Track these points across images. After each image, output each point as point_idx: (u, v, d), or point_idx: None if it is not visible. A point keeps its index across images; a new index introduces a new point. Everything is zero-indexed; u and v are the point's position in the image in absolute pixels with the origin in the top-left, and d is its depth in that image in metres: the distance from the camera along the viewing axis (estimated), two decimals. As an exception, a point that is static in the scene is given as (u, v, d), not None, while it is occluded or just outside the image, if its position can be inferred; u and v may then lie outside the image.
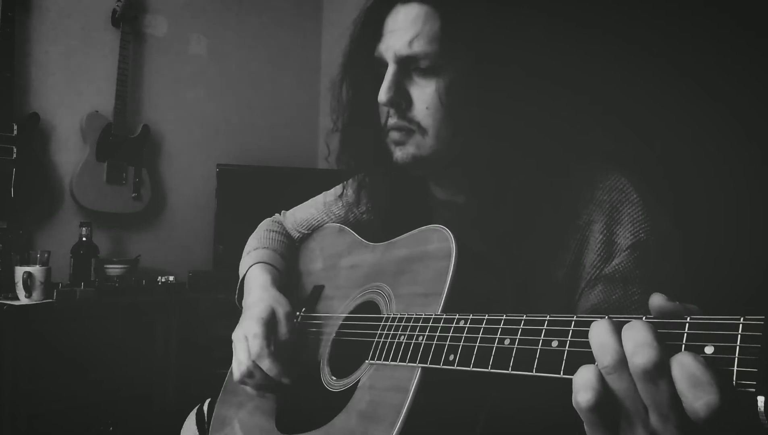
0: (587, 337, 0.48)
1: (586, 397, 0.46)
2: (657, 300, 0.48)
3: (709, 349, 0.43)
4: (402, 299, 0.79)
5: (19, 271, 2.10)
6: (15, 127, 2.31)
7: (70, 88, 2.59)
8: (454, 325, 0.66)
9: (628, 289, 0.76)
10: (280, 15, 3.31)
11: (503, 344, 0.58)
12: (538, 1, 0.85)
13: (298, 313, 0.99)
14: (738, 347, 0.42)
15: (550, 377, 0.53)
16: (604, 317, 0.49)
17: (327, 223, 1.13)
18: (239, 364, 0.89)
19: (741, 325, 0.43)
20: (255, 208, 1.42)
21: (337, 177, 1.07)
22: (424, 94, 0.82)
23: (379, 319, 0.79)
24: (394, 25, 0.83)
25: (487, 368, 0.59)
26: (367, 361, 0.77)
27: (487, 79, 0.79)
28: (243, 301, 1.03)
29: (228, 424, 0.98)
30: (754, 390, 0.41)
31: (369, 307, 0.87)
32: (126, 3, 2.61)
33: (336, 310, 0.93)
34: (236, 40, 3.15)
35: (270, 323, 0.90)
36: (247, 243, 1.16)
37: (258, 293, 0.98)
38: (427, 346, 0.67)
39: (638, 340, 0.44)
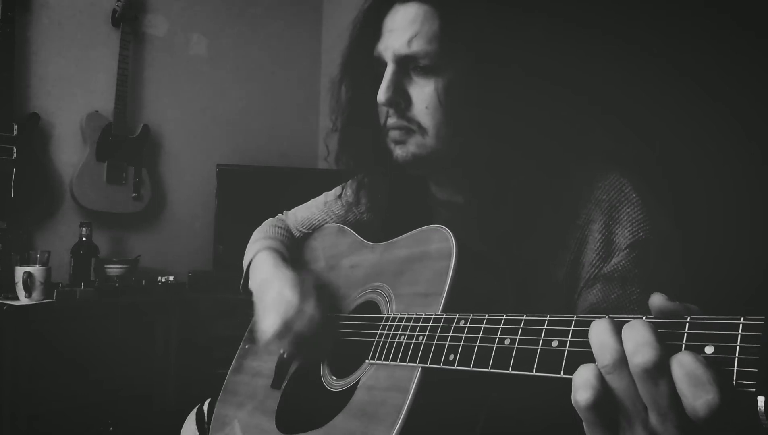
0: (587, 337, 0.48)
1: (585, 396, 0.46)
2: (657, 300, 0.48)
3: (709, 349, 0.44)
4: (402, 299, 0.80)
5: (19, 271, 2.10)
6: (15, 127, 2.31)
7: (70, 88, 2.59)
8: (454, 325, 0.66)
9: (627, 288, 0.76)
10: (280, 15, 3.31)
11: (503, 344, 0.58)
12: (538, 1, 0.85)
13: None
14: (738, 347, 0.42)
15: (551, 377, 0.53)
16: (605, 317, 0.49)
17: (328, 222, 1.13)
18: (277, 317, 0.88)
19: (741, 325, 0.43)
20: (255, 208, 1.42)
21: (337, 177, 1.07)
22: (423, 93, 0.82)
23: (380, 319, 0.79)
24: (392, 24, 0.83)
25: (488, 368, 0.59)
26: (367, 361, 0.77)
27: (487, 79, 0.79)
28: (251, 284, 1.04)
29: (228, 423, 0.98)
30: (754, 390, 0.41)
31: (369, 306, 0.87)
32: (126, 3, 2.60)
33: (336, 310, 0.93)
34: (236, 40, 3.15)
35: (300, 286, 0.92)
36: (252, 236, 1.16)
37: (271, 271, 0.99)
38: (428, 346, 0.67)
39: (638, 340, 0.44)
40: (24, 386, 2.06)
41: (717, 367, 0.42)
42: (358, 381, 0.76)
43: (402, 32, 0.81)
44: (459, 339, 0.64)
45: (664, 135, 1.83)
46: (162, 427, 2.35)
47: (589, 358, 0.48)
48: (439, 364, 0.65)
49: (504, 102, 0.79)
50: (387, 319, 0.77)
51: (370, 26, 0.86)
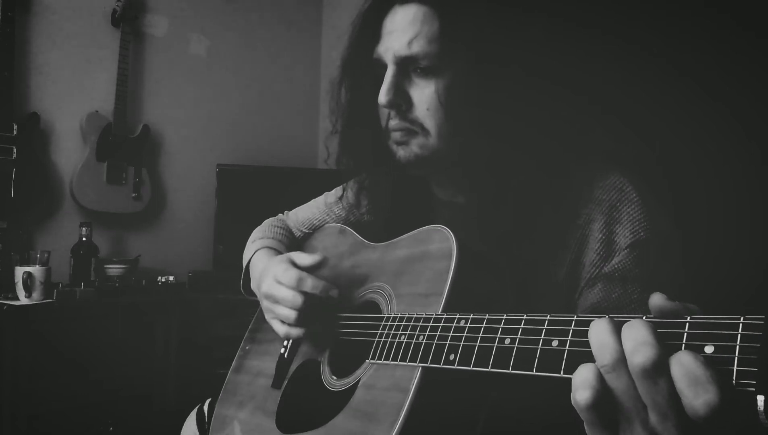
0: (587, 337, 0.48)
1: (585, 396, 0.46)
2: (657, 299, 0.48)
3: (709, 349, 0.44)
4: (403, 299, 0.80)
5: (19, 271, 2.10)
6: (15, 127, 2.31)
7: (70, 88, 2.59)
8: (454, 324, 0.66)
9: (628, 287, 0.76)
10: (280, 15, 3.31)
11: (504, 344, 0.59)
12: (538, 1, 0.85)
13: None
14: (738, 347, 0.42)
15: (551, 377, 0.53)
16: (605, 316, 0.49)
17: (328, 222, 1.13)
18: (284, 300, 0.87)
19: (741, 324, 0.43)
20: (255, 208, 1.42)
21: (338, 177, 1.07)
22: (423, 95, 0.82)
23: (380, 319, 0.79)
24: (392, 26, 0.83)
25: (488, 368, 0.59)
26: (367, 361, 0.77)
27: (487, 79, 0.79)
28: (252, 284, 1.04)
29: (228, 424, 0.98)
30: (753, 389, 0.41)
31: (370, 306, 0.87)
32: (126, 3, 2.61)
33: (337, 310, 0.93)
34: (236, 40, 3.15)
35: (293, 261, 0.91)
36: (251, 236, 1.16)
37: (266, 262, 0.98)
38: (428, 346, 0.67)
39: (638, 339, 0.44)
40: (24, 386, 2.06)
41: (717, 366, 0.42)
42: (359, 381, 0.76)
43: (402, 33, 0.81)
44: (459, 339, 0.64)
45: (664, 135, 1.83)
46: (162, 427, 2.35)
47: (589, 357, 0.48)
48: (440, 364, 0.65)
49: (504, 102, 0.79)
50: (387, 318, 0.77)
51: (369, 28, 0.86)
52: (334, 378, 0.83)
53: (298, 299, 0.85)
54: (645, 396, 0.44)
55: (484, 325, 0.62)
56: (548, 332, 0.55)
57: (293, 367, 0.94)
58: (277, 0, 3.29)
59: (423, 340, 0.69)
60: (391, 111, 0.84)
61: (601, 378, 0.46)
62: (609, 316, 0.49)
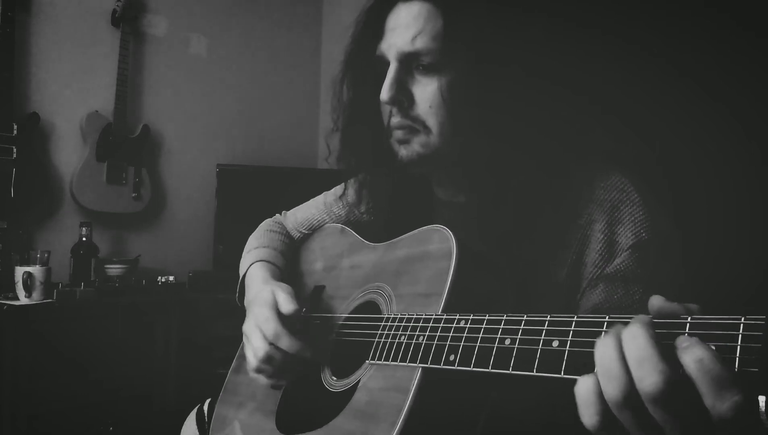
0: (588, 337, 0.48)
1: (593, 422, 0.46)
2: (656, 301, 0.48)
3: (709, 349, 0.44)
4: (402, 299, 0.80)
5: (19, 271, 2.10)
6: (15, 127, 2.31)
7: (70, 88, 2.59)
8: (454, 325, 0.66)
9: (630, 288, 0.76)
10: (280, 15, 3.31)
11: (504, 344, 0.58)
12: (538, 1, 0.85)
13: (303, 309, 0.99)
14: (739, 347, 0.42)
15: (551, 377, 0.53)
16: (605, 317, 0.49)
17: (328, 222, 1.13)
18: (256, 352, 0.87)
19: (742, 324, 0.43)
20: (255, 208, 1.42)
21: (338, 177, 1.07)
22: (426, 92, 0.82)
23: (380, 319, 0.79)
24: (396, 22, 0.83)
25: (488, 368, 0.59)
26: (367, 361, 0.77)
27: (487, 79, 0.79)
28: (245, 299, 1.03)
29: (228, 424, 0.98)
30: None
31: (369, 307, 0.87)
32: (126, 3, 2.60)
33: (336, 310, 0.93)
34: (236, 40, 3.15)
35: (277, 306, 0.89)
36: (247, 243, 1.15)
37: (259, 286, 0.97)
38: (428, 346, 0.67)
39: (643, 362, 0.44)
40: (24, 386, 2.06)
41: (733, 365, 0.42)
42: (359, 381, 0.76)
43: (406, 29, 0.81)
44: (459, 339, 0.64)
45: (664, 135, 1.83)
46: (162, 427, 2.35)
47: (590, 358, 0.48)
48: (440, 365, 0.65)
49: (504, 102, 0.79)
50: (387, 319, 0.77)
51: (372, 25, 0.86)
52: (334, 378, 0.83)
53: (268, 354, 0.86)
54: (657, 415, 0.44)
55: (484, 326, 0.62)
56: (549, 332, 0.55)
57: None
58: (277, 0, 3.29)
59: (423, 340, 0.68)
60: (393, 108, 0.84)
61: (607, 407, 0.46)
62: (609, 316, 0.49)
